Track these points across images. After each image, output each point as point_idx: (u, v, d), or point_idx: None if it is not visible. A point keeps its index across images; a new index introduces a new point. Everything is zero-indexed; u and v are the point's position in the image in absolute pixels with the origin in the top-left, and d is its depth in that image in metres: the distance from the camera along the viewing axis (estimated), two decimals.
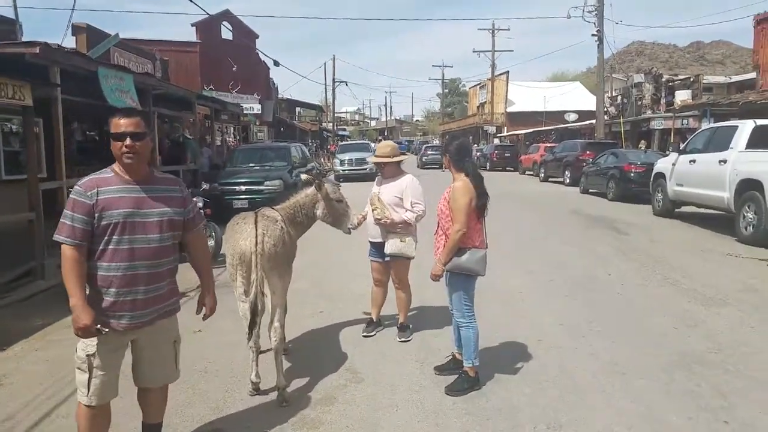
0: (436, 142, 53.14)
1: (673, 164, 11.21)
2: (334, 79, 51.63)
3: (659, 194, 11.89)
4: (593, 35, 23.32)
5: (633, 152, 17.33)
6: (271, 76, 32.35)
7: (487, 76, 45.41)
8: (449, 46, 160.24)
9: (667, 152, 17.33)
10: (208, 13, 21.25)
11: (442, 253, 3.83)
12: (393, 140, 73.32)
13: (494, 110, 46.03)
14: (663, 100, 24.54)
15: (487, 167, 30.74)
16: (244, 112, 20.93)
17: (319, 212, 4.34)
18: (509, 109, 46.84)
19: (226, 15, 27.05)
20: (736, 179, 8.80)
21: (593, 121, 25.77)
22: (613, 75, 35.54)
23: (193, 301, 5.57)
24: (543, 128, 37.38)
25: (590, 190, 16.96)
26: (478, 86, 54.79)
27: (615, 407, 3.58)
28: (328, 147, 39.20)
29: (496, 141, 40.51)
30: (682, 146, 11.48)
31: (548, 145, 27.09)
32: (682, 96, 23.11)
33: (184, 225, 2.87)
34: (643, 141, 22.35)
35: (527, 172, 26.16)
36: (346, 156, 23.99)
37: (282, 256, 3.81)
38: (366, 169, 23.36)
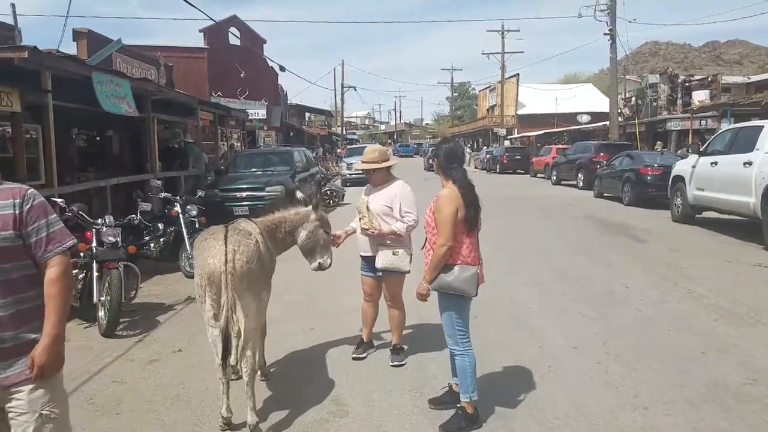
0: None
1: (693, 167, 10.61)
2: (342, 84, 51.47)
3: (678, 199, 11.29)
4: (605, 34, 22.69)
5: (649, 154, 16.67)
6: (280, 82, 32.13)
7: (496, 78, 44.78)
8: (458, 50, 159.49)
9: (683, 152, 16.74)
10: (214, 20, 20.98)
11: (426, 269, 3.39)
12: (402, 143, 72.74)
13: (504, 113, 45.38)
14: (679, 101, 23.82)
15: (497, 170, 30.22)
16: (249, 117, 20.63)
17: (302, 235, 3.88)
18: (520, 112, 46.16)
19: (234, 20, 26.82)
20: (763, 183, 8.21)
21: (607, 123, 25.11)
22: (627, 76, 34.78)
23: (179, 316, 5.10)
24: (555, 129, 36.70)
25: (604, 194, 16.34)
26: (487, 89, 54.15)
27: None
28: (337, 151, 38.86)
29: (507, 143, 39.88)
30: (702, 148, 10.88)
31: (560, 146, 26.47)
32: (700, 96, 22.39)
33: (30, 252, 2.11)
34: (659, 143, 21.65)
35: (539, 175, 25.52)
36: (353, 160, 23.57)
37: (257, 275, 3.38)
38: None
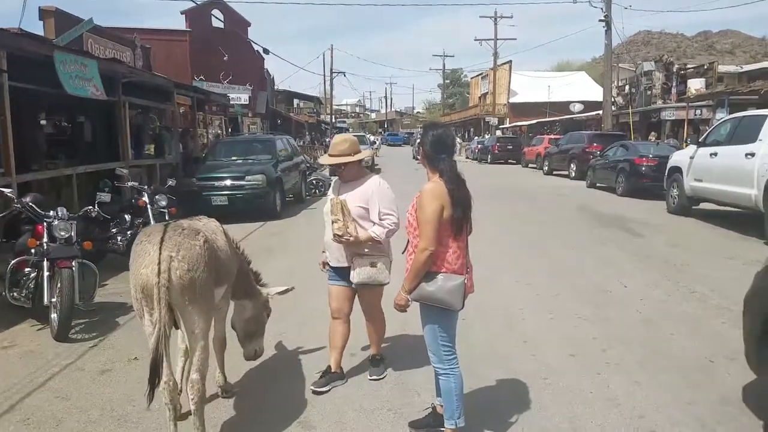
0: None
1: (691, 158, 10.22)
2: (332, 69, 50.64)
3: (674, 190, 10.91)
4: (601, 20, 22.19)
5: (644, 144, 16.32)
6: (266, 66, 31.34)
7: (489, 66, 44.22)
8: (450, 36, 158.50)
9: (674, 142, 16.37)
10: (196, 2, 20.22)
11: (405, 277, 2.94)
12: (391, 132, 71.91)
13: (496, 101, 44.82)
14: (674, 90, 23.45)
15: (489, 160, 29.80)
16: (231, 102, 19.93)
17: (249, 309, 3.75)
18: (512, 100, 45.67)
19: (217, 3, 26.00)
20: (766, 175, 7.81)
21: (600, 112, 24.70)
22: (620, 65, 34.36)
23: (130, 325, 4.58)
24: (547, 119, 36.28)
25: (598, 185, 15.98)
26: (480, 76, 53.57)
27: None
28: (326, 140, 38.21)
29: (498, 133, 39.44)
30: (700, 138, 10.48)
31: (553, 136, 26.07)
32: (696, 85, 22.01)
33: None
34: (653, 133, 21.30)
35: (530, 165, 25.11)
36: None
37: (204, 284, 2.87)
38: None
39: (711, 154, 9.53)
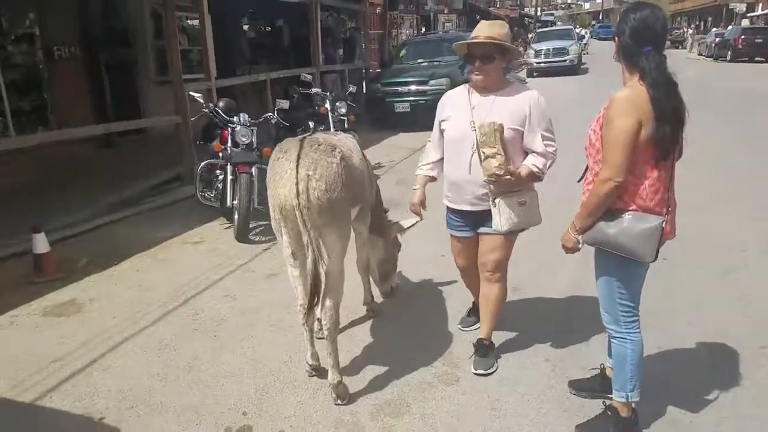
0: None
1: None
2: None
3: None
4: None
5: None
6: None
7: None
8: None
9: None
10: None
11: (578, 212, 2.29)
12: (602, 24, 63.80)
13: None
14: None
15: (729, 57, 24.49)
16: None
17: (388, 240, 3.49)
18: None
19: None
20: None
21: None
22: None
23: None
24: None
25: None
26: None
27: None
28: (528, 36, 35.24)
29: (746, 22, 32.08)
30: None
31: None
32: None
33: None
34: None
35: None
36: (543, 46, 20.98)
37: (341, 205, 2.61)
38: (566, 61, 20.40)
39: None
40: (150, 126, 8.42)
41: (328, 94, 7.48)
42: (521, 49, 21.86)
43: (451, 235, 3.01)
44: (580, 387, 2.73)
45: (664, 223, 2.16)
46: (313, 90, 7.59)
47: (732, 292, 3.60)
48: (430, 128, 2.98)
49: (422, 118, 10.31)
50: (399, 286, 3.82)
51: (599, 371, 2.72)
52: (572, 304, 3.55)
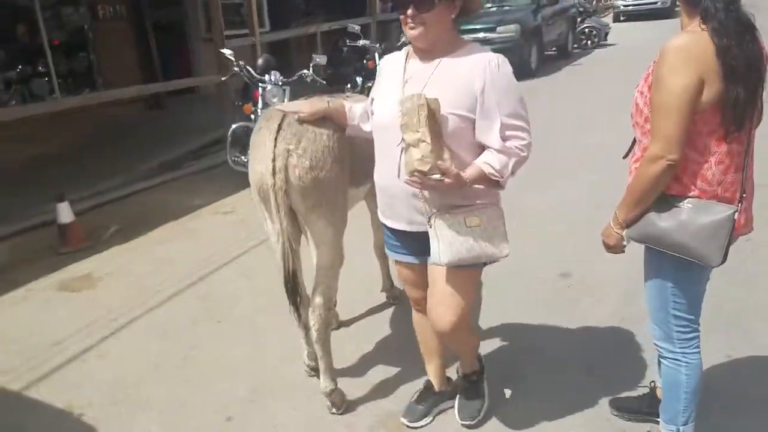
0: None
1: None
2: None
3: None
4: None
5: None
6: None
7: None
8: None
9: None
10: None
11: (621, 200, 1.73)
12: None
13: None
14: None
15: None
16: None
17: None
18: None
19: None
20: None
21: None
22: None
23: None
24: None
25: None
26: None
27: None
28: None
29: None
30: None
31: None
32: None
33: None
34: None
35: None
36: None
37: (332, 185, 2.17)
38: (657, 3, 18.26)
39: None
40: (199, 85, 8.26)
41: (377, 46, 6.95)
42: None
43: (395, 261, 2.14)
44: (625, 407, 2.22)
45: (736, 213, 1.58)
46: (361, 42, 7.05)
47: None
48: None
49: None
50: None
51: (649, 390, 2.20)
52: (627, 299, 2.96)
